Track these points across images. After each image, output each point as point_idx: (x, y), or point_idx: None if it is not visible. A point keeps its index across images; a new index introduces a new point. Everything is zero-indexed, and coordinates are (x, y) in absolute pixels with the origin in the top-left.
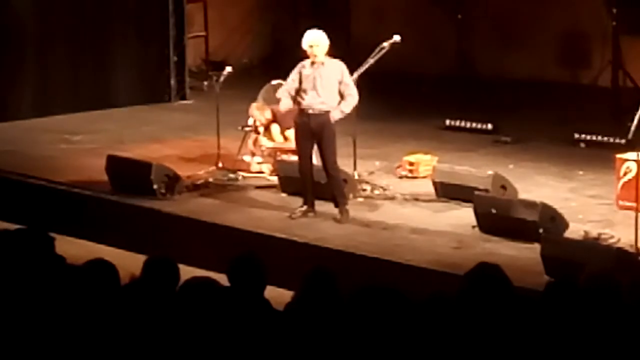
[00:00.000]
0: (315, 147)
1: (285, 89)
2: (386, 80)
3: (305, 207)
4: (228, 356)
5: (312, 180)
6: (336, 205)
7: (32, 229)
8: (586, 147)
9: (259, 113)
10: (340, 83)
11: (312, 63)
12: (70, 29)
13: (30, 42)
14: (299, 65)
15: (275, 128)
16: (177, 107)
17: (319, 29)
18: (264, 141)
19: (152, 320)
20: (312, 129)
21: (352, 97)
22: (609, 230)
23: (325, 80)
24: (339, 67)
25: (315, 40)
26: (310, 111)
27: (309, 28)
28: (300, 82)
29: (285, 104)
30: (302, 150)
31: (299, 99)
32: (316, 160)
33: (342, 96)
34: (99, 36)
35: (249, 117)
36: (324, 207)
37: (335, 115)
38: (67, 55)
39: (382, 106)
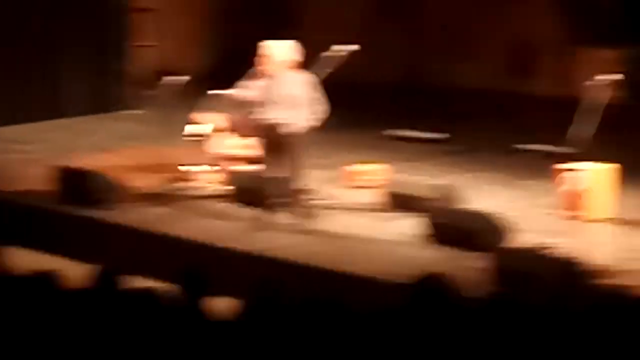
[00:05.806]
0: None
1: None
2: (336, 89)
3: (265, 215)
4: None
5: (269, 189)
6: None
7: None
8: (534, 157)
9: (210, 117)
10: (304, 96)
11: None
12: (17, 39)
13: None
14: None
15: (228, 136)
16: (126, 116)
17: (272, 39)
18: (215, 146)
19: (95, 330)
20: (274, 141)
21: (316, 113)
22: (556, 239)
23: (284, 94)
24: (300, 79)
25: (264, 50)
26: (273, 123)
27: (261, 38)
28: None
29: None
30: (267, 161)
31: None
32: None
33: (309, 109)
34: (46, 47)
35: (193, 124)
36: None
37: (294, 130)
38: (15, 65)
39: (332, 116)
